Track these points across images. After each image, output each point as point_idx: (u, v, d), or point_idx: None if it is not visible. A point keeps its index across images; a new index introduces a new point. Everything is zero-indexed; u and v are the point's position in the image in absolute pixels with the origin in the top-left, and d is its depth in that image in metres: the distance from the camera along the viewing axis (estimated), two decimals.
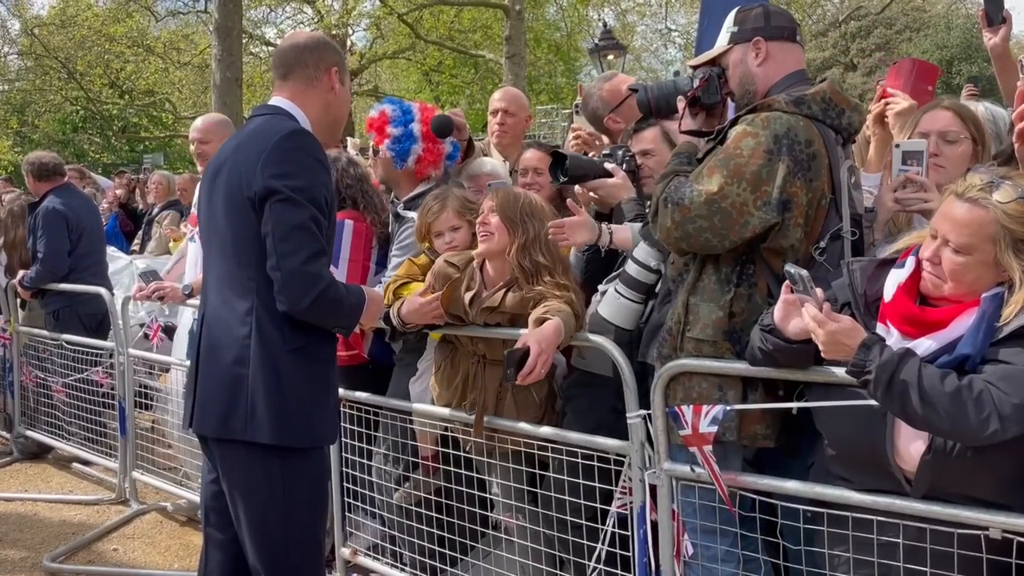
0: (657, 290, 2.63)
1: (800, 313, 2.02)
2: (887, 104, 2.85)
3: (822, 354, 1.99)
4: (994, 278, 1.90)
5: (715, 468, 2.30)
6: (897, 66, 3.11)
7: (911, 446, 1.96)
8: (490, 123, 4.07)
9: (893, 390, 1.85)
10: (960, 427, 1.81)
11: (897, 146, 2.45)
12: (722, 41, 2.52)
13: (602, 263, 3.01)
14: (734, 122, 2.34)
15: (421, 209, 3.16)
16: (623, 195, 2.90)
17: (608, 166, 2.91)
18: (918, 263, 2.01)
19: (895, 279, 2.04)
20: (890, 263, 2.10)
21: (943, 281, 1.93)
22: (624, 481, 2.60)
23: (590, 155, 3.19)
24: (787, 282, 2.06)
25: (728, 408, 2.25)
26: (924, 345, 1.93)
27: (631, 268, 2.63)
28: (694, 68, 2.60)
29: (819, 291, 2.02)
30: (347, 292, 2.48)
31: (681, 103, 2.57)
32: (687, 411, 2.31)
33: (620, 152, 2.98)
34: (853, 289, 2.11)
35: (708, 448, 2.28)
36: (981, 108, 2.59)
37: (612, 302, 2.67)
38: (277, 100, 2.55)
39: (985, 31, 3.15)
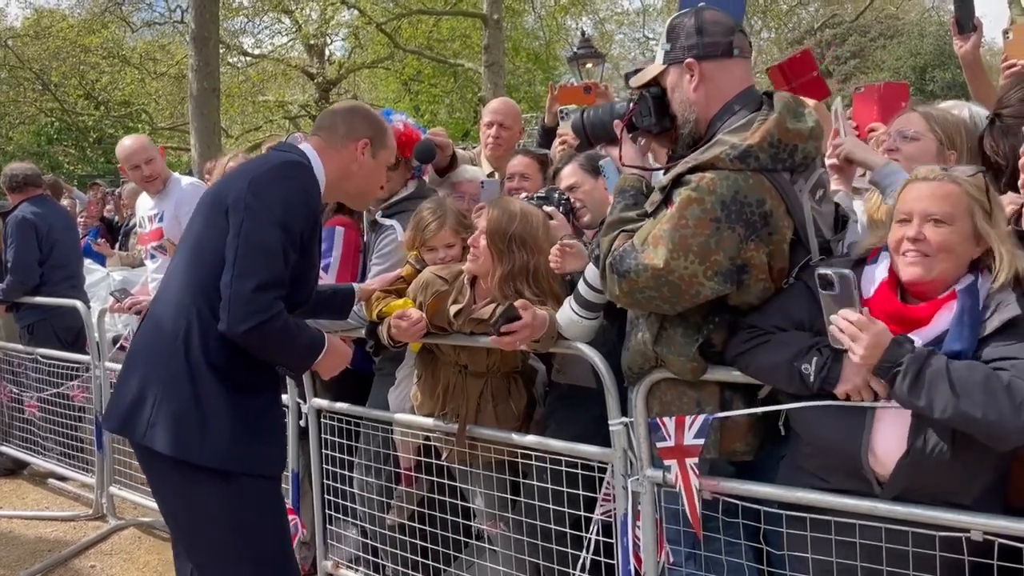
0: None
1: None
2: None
3: (860, 359, 1.90)
4: (972, 253, 1.95)
5: (692, 485, 2.28)
6: (863, 95, 3.06)
7: (889, 447, 1.96)
8: (483, 134, 4.06)
9: (921, 381, 1.82)
10: (994, 416, 1.76)
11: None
12: (657, 59, 2.33)
13: None
14: (678, 180, 2.14)
15: (416, 221, 3.11)
16: (561, 234, 2.94)
17: (547, 209, 2.97)
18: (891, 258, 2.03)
19: (874, 276, 2.05)
20: (862, 262, 2.11)
21: (932, 257, 1.93)
22: (606, 488, 2.59)
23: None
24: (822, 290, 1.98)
25: (711, 417, 2.23)
26: None
27: (583, 289, 2.56)
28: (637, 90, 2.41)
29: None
30: (301, 334, 2.41)
31: (618, 128, 2.41)
32: (669, 423, 2.30)
33: (556, 195, 3.05)
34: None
35: (693, 461, 2.27)
36: (966, 112, 2.59)
37: (566, 319, 2.62)
38: (302, 146, 2.57)
39: (956, 38, 3.17)
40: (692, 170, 2.12)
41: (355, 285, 3.10)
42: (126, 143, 4.65)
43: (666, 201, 2.16)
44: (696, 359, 2.22)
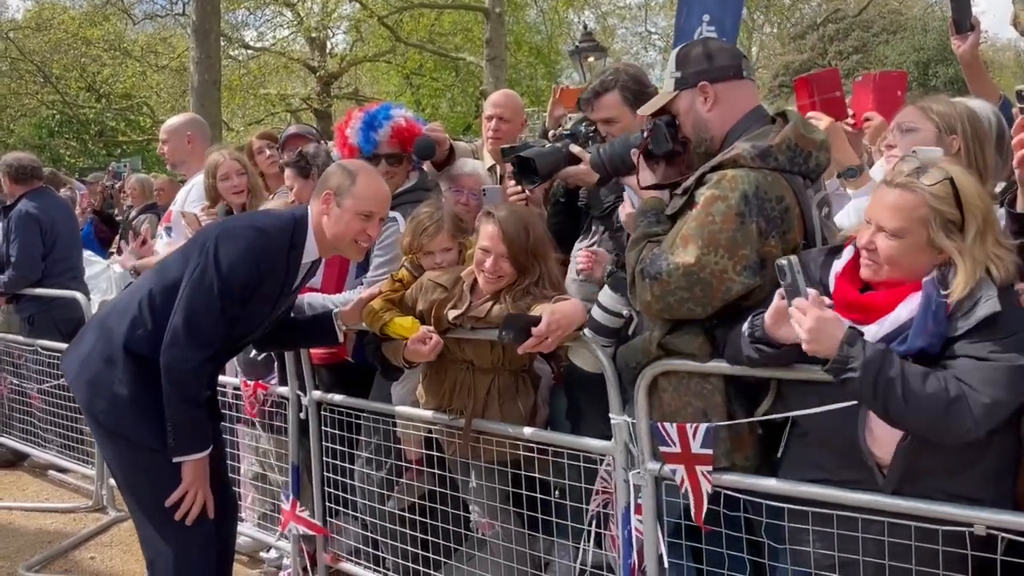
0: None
1: (789, 321, 1.99)
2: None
3: (805, 347, 1.94)
4: (930, 260, 1.94)
5: (703, 491, 2.28)
6: (861, 83, 3.06)
7: (888, 434, 1.96)
8: (484, 127, 4.03)
9: (878, 389, 1.84)
10: (937, 428, 1.84)
11: (914, 152, 2.41)
12: (668, 87, 2.41)
13: (568, 216, 3.03)
14: (700, 180, 2.22)
15: (413, 225, 3.09)
16: (592, 180, 2.82)
17: (574, 149, 2.82)
18: (856, 251, 2.04)
19: (834, 270, 2.08)
20: (838, 250, 2.13)
21: (880, 266, 1.97)
22: (603, 479, 2.58)
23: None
24: (779, 290, 2.00)
25: (712, 426, 2.24)
26: (871, 331, 1.95)
27: (598, 314, 2.54)
28: (650, 117, 2.45)
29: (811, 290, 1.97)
30: (200, 409, 2.73)
31: (635, 156, 2.45)
32: (671, 429, 2.30)
33: (582, 128, 2.89)
34: (809, 278, 2.09)
35: (706, 469, 2.26)
36: (977, 105, 2.55)
37: (579, 350, 2.60)
38: (310, 205, 2.87)
39: (954, 38, 3.16)
40: (713, 169, 2.19)
41: (334, 309, 3.13)
42: (169, 119, 4.87)
43: (689, 203, 2.22)
44: (703, 335, 2.25)
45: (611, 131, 2.84)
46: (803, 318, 1.92)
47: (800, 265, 1.97)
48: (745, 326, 2.11)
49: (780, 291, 2.02)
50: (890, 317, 1.94)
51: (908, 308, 1.92)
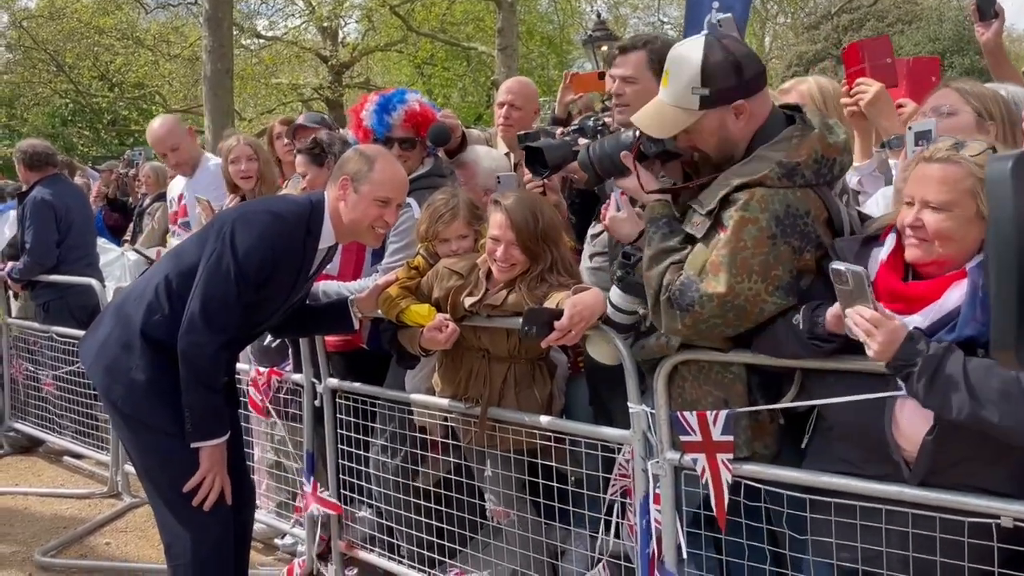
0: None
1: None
2: (857, 98, 2.77)
3: (874, 355, 1.88)
4: (979, 234, 1.89)
5: (723, 480, 2.26)
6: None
7: (914, 425, 1.93)
8: (496, 114, 4.01)
9: (936, 384, 1.80)
10: (1011, 422, 1.77)
11: (909, 128, 2.35)
12: (689, 104, 2.17)
13: (584, 215, 3.02)
14: (725, 200, 2.12)
15: (429, 212, 3.07)
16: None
17: (582, 143, 2.75)
18: (898, 237, 2.00)
19: (877, 258, 2.03)
20: (874, 239, 2.09)
21: (930, 243, 1.91)
22: (619, 468, 2.57)
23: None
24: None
25: (732, 412, 2.22)
26: (915, 321, 1.91)
27: (610, 311, 2.50)
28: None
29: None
30: (217, 394, 2.72)
31: (628, 159, 2.34)
32: (691, 417, 2.29)
33: (590, 123, 2.85)
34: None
35: (727, 456, 2.24)
36: (1002, 91, 2.52)
37: (597, 342, 2.58)
38: (326, 191, 2.87)
39: (977, 26, 3.13)
40: (738, 188, 2.12)
41: (349, 296, 3.13)
42: (155, 127, 4.72)
43: (716, 225, 2.14)
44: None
45: (627, 89, 2.76)
46: (871, 328, 1.86)
47: (867, 276, 1.89)
48: (800, 319, 2.05)
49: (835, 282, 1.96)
50: (935, 306, 1.90)
51: (955, 296, 1.88)
